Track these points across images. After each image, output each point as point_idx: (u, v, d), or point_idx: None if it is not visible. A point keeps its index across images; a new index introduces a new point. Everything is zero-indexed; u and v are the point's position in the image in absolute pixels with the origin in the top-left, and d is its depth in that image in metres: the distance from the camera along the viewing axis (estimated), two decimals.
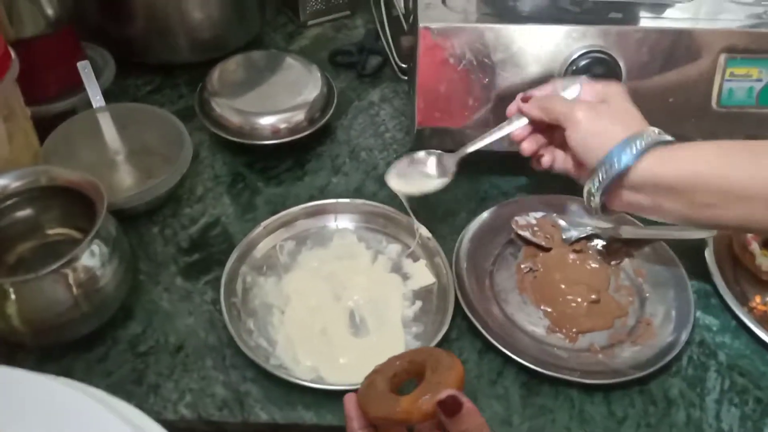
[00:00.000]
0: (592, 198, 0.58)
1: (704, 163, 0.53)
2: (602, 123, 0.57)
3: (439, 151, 0.67)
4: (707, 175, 0.53)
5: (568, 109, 0.59)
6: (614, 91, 0.60)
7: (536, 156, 0.64)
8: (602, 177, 0.56)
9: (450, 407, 0.41)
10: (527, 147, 0.63)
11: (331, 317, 0.62)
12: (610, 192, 0.57)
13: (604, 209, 0.59)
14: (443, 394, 0.41)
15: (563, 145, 0.61)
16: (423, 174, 0.67)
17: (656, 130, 0.56)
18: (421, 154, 0.67)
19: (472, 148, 0.65)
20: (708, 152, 0.54)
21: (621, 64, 0.67)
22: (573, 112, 0.58)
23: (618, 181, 0.56)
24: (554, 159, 0.63)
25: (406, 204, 0.67)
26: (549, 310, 0.63)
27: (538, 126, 0.62)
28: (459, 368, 0.44)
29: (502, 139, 0.73)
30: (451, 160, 0.65)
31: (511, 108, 0.64)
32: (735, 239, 0.68)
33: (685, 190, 0.54)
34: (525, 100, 0.62)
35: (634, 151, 0.54)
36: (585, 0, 0.69)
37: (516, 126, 0.63)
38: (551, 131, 0.62)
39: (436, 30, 0.67)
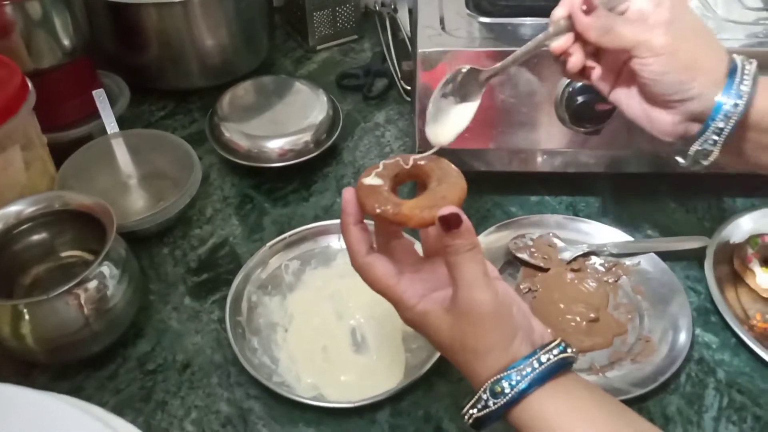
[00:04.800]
0: (704, 154, 0.51)
1: None
2: (690, 52, 0.48)
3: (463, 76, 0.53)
4: None
5: (644, 36, 0.48)
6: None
7: (565, 55, 0.51)
8: (719, 126, 0.48)
9: (450, 222, 0.43)
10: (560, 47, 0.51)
11: (333, 335, 0.64)
12: (731, 142, 0.50)
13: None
14: (446, 209, 0.43)
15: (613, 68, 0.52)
16: (451, 110, 0.54)
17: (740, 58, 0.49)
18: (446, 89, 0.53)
19: (500, 65, 0.52)
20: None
21: None
22: (651, 39, 0.48)
23: (741, 123, 0.48)
24: (593, 70, 0.53)
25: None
26: (549, 330, 0.64)
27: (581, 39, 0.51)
28: (464, 186, 0.46)
29: (504, 159, 0.75)
30: (481, 77, 0.53)
31: (558, 12, 0.51)
32: (736, 256, 0.69)
33: None
34: (588, 9, 0.49)
35: (746, 85, 0.48)
36: None
37: (555, 39, 0.51)
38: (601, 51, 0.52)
39: (434, 54, 0.69)
